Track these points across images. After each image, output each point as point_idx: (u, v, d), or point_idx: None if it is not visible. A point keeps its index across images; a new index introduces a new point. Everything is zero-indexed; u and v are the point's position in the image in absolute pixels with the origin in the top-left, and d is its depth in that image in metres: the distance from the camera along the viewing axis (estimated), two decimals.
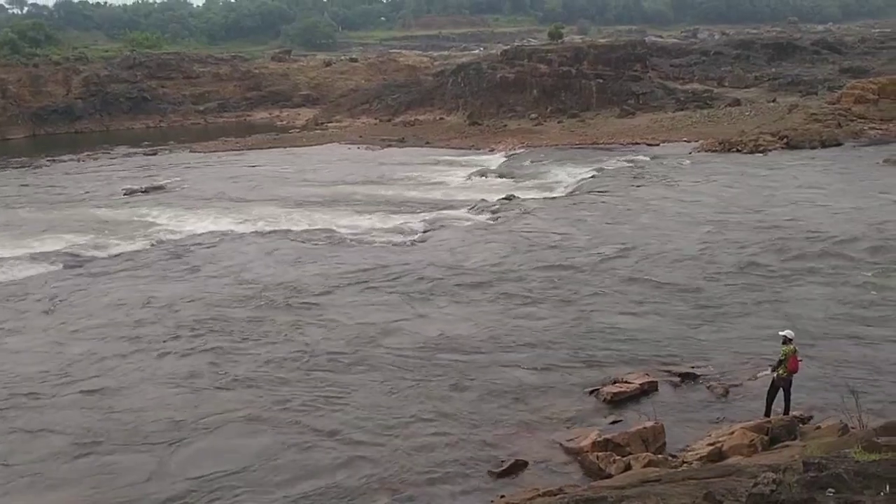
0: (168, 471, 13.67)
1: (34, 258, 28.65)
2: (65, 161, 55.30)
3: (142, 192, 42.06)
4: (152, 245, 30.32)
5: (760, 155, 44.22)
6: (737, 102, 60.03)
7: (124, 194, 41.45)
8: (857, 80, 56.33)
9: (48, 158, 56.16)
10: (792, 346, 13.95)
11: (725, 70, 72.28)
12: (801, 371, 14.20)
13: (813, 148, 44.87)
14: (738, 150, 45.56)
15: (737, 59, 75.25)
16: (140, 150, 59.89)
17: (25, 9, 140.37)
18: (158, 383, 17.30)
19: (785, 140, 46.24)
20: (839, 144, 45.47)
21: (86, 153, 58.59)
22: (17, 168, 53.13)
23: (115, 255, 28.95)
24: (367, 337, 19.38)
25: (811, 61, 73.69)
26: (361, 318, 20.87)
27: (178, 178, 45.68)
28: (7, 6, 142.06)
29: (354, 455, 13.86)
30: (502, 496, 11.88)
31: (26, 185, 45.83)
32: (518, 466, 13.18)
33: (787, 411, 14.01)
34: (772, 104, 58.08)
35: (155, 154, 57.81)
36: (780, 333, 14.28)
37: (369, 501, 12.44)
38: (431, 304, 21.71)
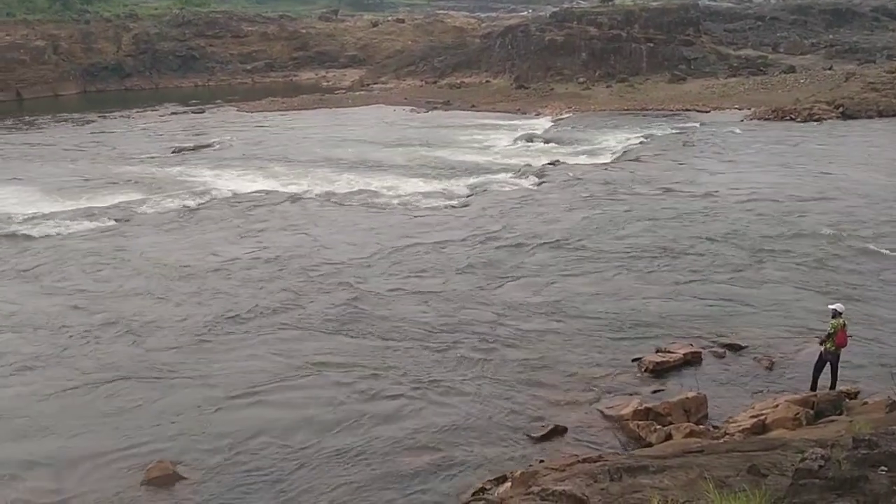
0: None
1: (85, 213, 29.13)
2: (115, 118, 56.06)
3: (190, 150, 42.52)
4: (199, 203, 30.57)
5: (815, 124, 43.15)
6: (791, 69, 58.52)
7: (172, 152, 41.89)
8: None
9: (99, 115, 56.99)
10: (841, 320, 13.68)
11: (781, 36, 70.46)
12: (848, 346, 13.95)
13: (870, 118, 43.68)
14: (791, 119, 44.52)
15: (793, 24, 73.29)
16: (188, 108, 60.43)
17: None
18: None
19: (841, 109, 45.04)
20: None
21: (135, 111, 59.30)
22: (68, 124, 53.99)
23: (164, 212, 29.30)
24: (408, 303, 19.45)
25: (870, 28, 71.52)
26: (403, 284, 20.95)
27: (226, 137, 46.01)
28: None
29: (396, 414, 14.01)
30: (541, 461, 11.85)
31: (77, 142, 46.50)
32: (557, 432, 13.15)
33: (833, 386, 13.78)
34: (828, 72, 56.50)
35: (203, 112, 58.28)
36: (830, 307, 14.02)
37: (408, 463, 12.55)
38: (473, 272, 21.57)
